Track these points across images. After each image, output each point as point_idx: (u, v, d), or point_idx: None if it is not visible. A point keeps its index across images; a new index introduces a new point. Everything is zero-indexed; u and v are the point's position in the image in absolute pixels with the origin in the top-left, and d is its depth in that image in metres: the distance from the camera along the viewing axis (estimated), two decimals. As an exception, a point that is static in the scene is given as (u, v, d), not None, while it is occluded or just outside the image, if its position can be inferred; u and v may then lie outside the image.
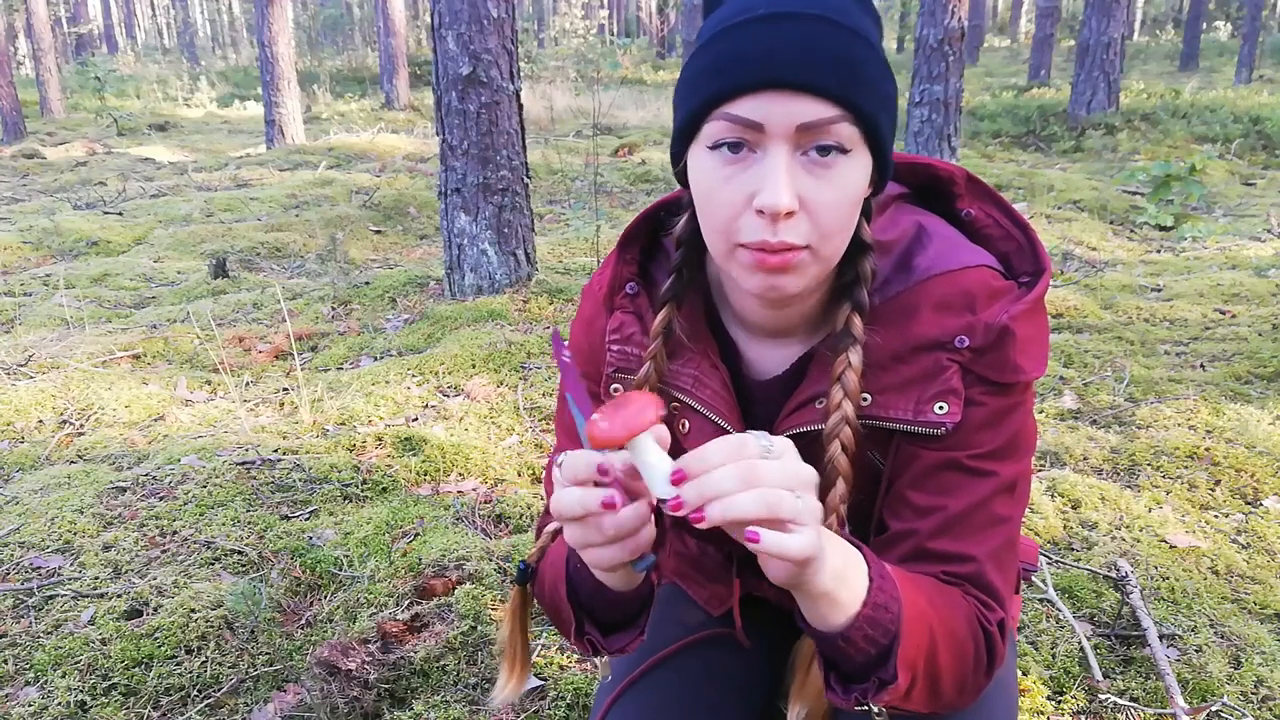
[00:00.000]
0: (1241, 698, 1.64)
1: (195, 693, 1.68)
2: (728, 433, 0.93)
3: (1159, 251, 5.42)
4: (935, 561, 0.85)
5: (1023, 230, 0.90)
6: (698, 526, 0.63)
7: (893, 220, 0.90)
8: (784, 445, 0.66)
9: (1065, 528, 2.23)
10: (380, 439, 2.66)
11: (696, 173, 0.80)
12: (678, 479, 0.64)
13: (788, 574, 0.68)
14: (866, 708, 0.77)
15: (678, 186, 0.91)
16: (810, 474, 0.67)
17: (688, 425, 0.95)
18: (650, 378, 0.92)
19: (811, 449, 0.87)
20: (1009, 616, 0.89)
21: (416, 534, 2.18)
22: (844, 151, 0.76)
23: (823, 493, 0.84)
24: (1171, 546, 2.12)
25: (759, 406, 0.95)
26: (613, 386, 0.97)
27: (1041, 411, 2.95)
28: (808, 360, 0.91)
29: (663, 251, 0.98)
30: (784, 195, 0.73)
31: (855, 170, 0.77)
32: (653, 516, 0.71)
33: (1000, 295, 0.85)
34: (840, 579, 0.71)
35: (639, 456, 0.66)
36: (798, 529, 0.65)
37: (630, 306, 0.96)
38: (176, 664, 1.72)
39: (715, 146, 0.77)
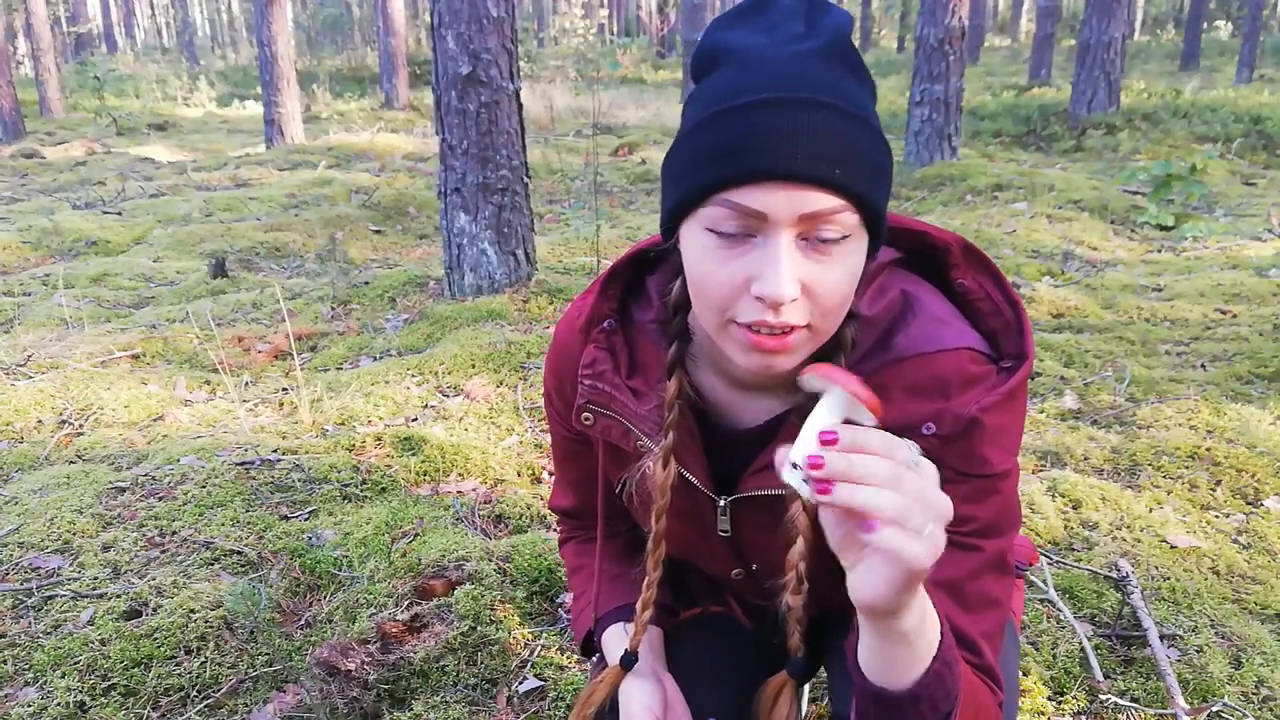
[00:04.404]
0: (1242, 698, 1.64)
1: (195, 693, 1.67)
2: (692, 484, 0.94)
3: (1160, 251, 5.42)
4: None
5: (1014, 308, 0.88)
6: (820, 499, 0.63)
7: (880, 291, 0.89)
8: (930, 469, 0.65)
9: (1066, 528, 2.23)
10: (380, 439, 2.65)
11: (692, 250, 0.78)
12: (828, 440, 0.63)
13: (884, 597, 0.66)
14: None
15: None
16: (945, 504, 0.64)
17: (652, 469, 0.94)
18: (671, 446, 0.91)
19: (774, 509, 0.88)
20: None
21: (416, 534, 2.18)
22: (845, 236, 0.75)
23: (783, 550, 0.84)
24: (1172, 547, 2.12)
25: (726, 457, 0.95)
26: (583, 416, 0.97)
27: (1042, 411, 2.94)
28: (779, 422, 0.91)
29: (645, 292, 0.98)
30: (786, 286, 0.73)
31: (855, 252, 0.77)
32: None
33: (975, 382, 0.84)
34: (921, 621, 0.70)
35: (821, 404, 0.68)
36: (918, 539, 0.63)
37: (605, 343, 0.96)
38: (176, 664, 1.71)
39: (712, 228, 0.76)
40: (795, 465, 0.64)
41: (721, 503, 0.95)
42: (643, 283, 0.98)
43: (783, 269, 0.72)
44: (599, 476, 1.04)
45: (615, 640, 1.06)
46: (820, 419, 0.67)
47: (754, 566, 1.01)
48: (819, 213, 0.73)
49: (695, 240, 0.77)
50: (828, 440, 0.63)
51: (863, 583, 0.66)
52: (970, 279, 0.91)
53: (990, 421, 0.82)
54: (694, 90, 0.81)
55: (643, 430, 0.93)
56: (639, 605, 0.97)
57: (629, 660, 1.00)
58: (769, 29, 0.76)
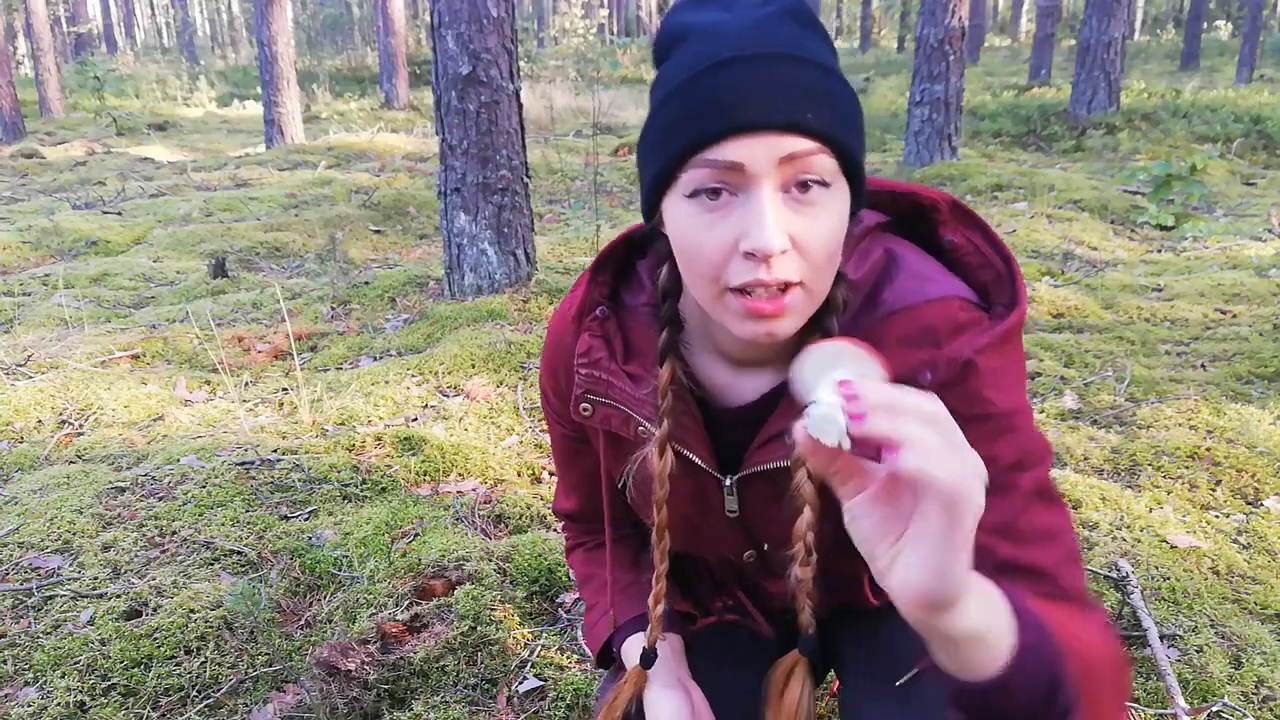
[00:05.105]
0: (1242, 698, 1.64)
1: (195, 693, 1.67)
2: (696, 466, 0.93)
3: (1160, 251, 5.42)
4: (1008, 577, 0.78)
5: (1005, 260, 0.88)
6: (856, 426, 0.56)
7: (864, 255, 0.89)
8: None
9: (1066, 528, 2.23)
10: (380, 439, 2.65)
11: (676, 222, 0.79)
12: (848, 387, 0.58)
13: (931, 584, 0.59)
14: None
15: None
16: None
17: (654, 453, 0.93)
18: (667, 434, 0.90)
19: (778, 483, 0.87)
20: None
21: (416, 534, 2.18)
22: (825, 185, 0.75)
23: (790, 521, 0.84)
24: (1172, 547, 2.12)
25: (726, 435, 0.94)
26: (581, 406, 0.97)
27: (1042, 412, 2.94)
28: (778, 395, 0.90)
29: (636, 276, 0.98)
30: (775, 237, 0.72)
31: (837, 202, 0.77)
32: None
33: (966, 328, 0.84)
34: (987, 608, 0.63)
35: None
36: (952, 456, 0.56)
37: (599, 330, 0.96)
38: (176, 664, 1.71)
39: (693, 194, 0.76)
40: (817, 403, 0.58)
41: (727, 482, 0.95)
42: (633, 268, 0.98)
43: (768, 219, 0.73)
44: (602, 473, 1.03)
45: (636, 651, 1.06)
46: (832, 373, 0.60)
47: (765, 546, 1.01)
48: (795, 154, 0.73)
49: (679, 211, 0.78)
50: (848, 387, 0.58)
51: (904, 577, 0.59)
52: (959, 235, 0.91)
53: (985, 364, 0.82)
54: (658, 73, 0.81)
55: (643, 415, 0.93)
56: (651, 599, 0.97)
57: (649, 658, 1.00)
58: (728, 6, 0.78)
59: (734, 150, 0.73)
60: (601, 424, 0.97)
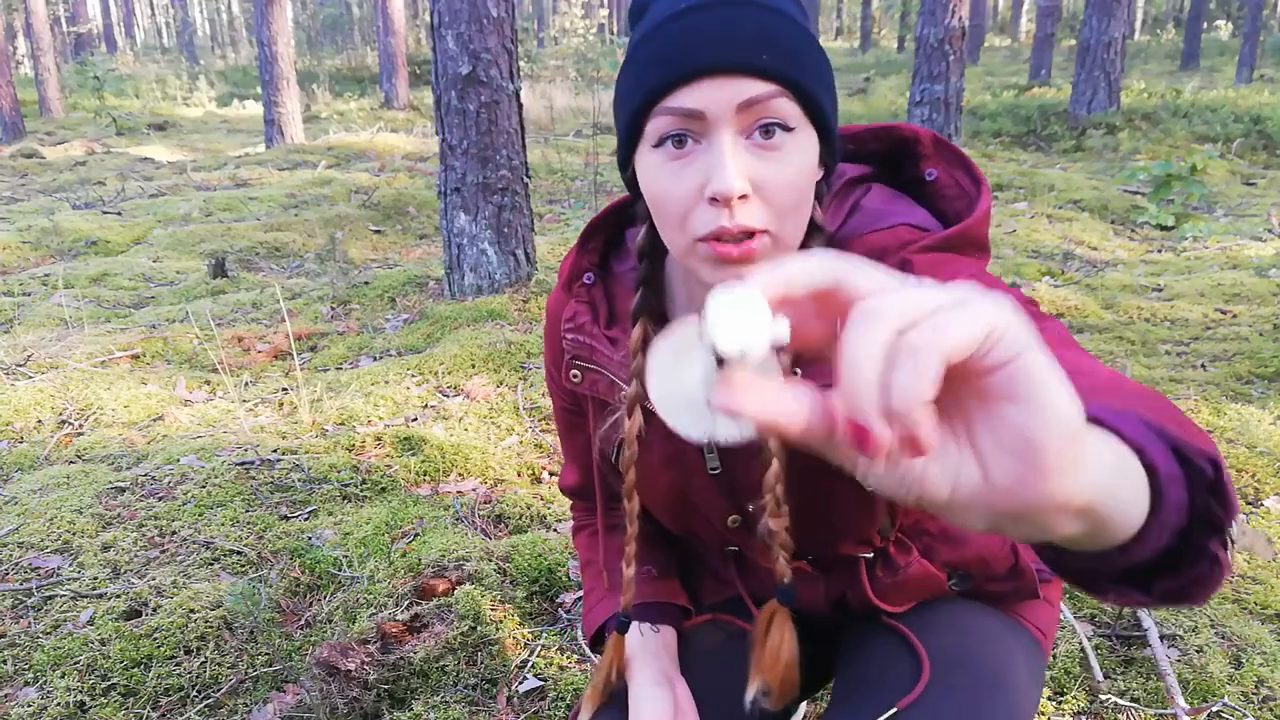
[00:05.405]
0: (1242, 698, 1.64)
1: (194, 693, 1.67)
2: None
3: (1160, 251, 5.42)
4: None
5: (977, 186, 0.89)
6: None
7: (839, 207, 0.90)
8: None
9: (1066, 528, 2.23)
10: (380, 439, 2.65)
11: (645, 173, 0.80)
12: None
13: (1033, 469, 0.39)
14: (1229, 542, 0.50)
15: None
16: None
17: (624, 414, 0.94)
18: (636, 394, 0.90)
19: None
20: None
21: (416, 534, 2.18)
22: (788, 129, 0.76)
23: (759, 472, 0.84)
24: (1172, 546, 2.12)
25: None
26: (571, 373, 0.99)
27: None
28: None
29: (624, 244, 1.00)
30: (734, 180, 0.73)
31: (802, 148, 0.77)
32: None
33: (911, 244, 0.84)
34: (1114, 477, 0.43)
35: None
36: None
37: (585, 296, 0.98)
38: (176, 664, 1.71)
39: (659, 144, 0.77)
40: (715, 304, 0.39)
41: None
42: (622, 236, 1.00)
43: (728, 163, 0.73)
44: (594, 447, 1.04)
45: (632, 639, 1.06)
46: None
47: (749, 508, 1.00)
48: (754, 99, 0.74)
49: (648, 163, 0.79)
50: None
51: (1019, 436, 0.38)
52: (940, 169, 0.92)
53: (921, 261, 0.81)
54: (631, 36, 0.83)
55: (622, 378, 0.94)
56: (624, 561, 0.98)
57: (624, 625, 1.00)
58: None
59: (693, 97, 0.74)
60: (590, 390, 0.99)
